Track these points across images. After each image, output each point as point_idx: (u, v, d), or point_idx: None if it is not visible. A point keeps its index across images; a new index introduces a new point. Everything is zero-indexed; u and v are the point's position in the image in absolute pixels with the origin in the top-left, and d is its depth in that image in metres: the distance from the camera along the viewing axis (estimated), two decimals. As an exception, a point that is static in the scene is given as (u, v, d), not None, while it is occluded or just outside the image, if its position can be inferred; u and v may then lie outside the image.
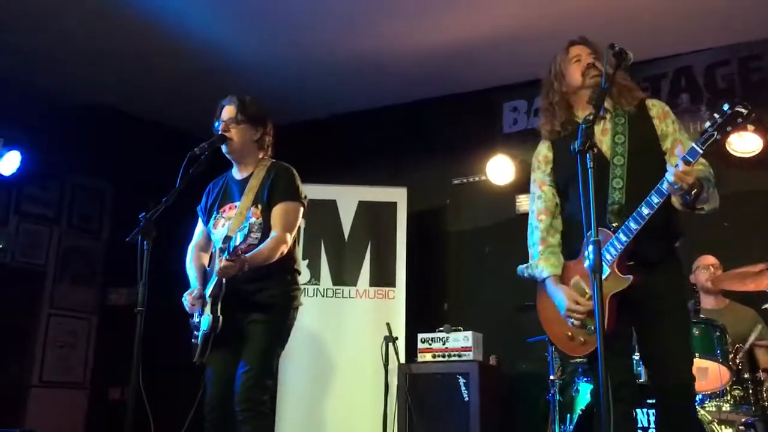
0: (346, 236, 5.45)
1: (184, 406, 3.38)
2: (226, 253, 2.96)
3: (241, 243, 2.89)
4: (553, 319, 2.77)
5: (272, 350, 3.18)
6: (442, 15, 4.92)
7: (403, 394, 4.69)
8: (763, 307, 3.83)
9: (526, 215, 5.54)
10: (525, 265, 2.91)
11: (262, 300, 3.17)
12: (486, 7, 4.83)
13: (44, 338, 6.09)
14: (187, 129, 5.94)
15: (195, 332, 3.24)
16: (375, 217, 5.48)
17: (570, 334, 2.69)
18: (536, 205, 2.91)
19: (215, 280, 3.13)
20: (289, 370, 5.13)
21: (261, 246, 3.12)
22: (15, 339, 5.91)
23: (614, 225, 2.60)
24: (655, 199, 2.51)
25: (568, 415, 4.01)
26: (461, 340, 4.74)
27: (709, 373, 3.66)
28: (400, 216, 5.46)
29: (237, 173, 3.42)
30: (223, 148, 3.34)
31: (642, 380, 3.79)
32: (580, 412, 3.74)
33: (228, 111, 3.36)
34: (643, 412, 3.57)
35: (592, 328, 2.58)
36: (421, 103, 6.08)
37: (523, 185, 5.54)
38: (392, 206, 5.48)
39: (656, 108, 2.81)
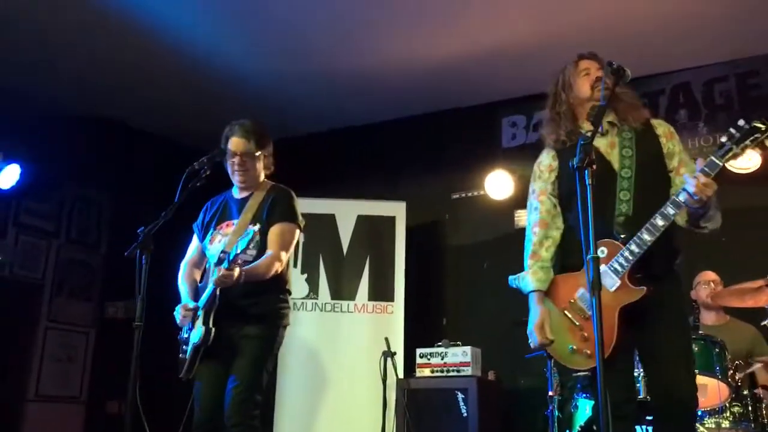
0: (344, 250, 5.44)
1: (182, 420, 3.37)
2: (225, 262, 2.99)
3: (241, 252, 2.93)
4: (554, 332, 2.74)
5: (263, 365, 3.20)
6: (441, 30, 4.94)
7: (401, 410, 4.67)
8: (762, 323, 3.82)
9: (524, 230, 5.60)
10: (515, 275, 2.91)
11: (254, 314, 3.20)
12: (485, 23, 4.86)
13: (41, 352, 6.06)
14: (187, 142, 5.97)
15: (184, 347, 3.27)
16: (374, 231, 5.48)
17: (574, 347, 2.67)
18: (532, 216, 2.91)
19: (210, 293, 3.15)
20: (287, 383, 5.12)
21: (257, 262, 3.17)
22: (12, 352, 5.88)
23: (622, 236, 2.61)
24: (671, 211, 2.52)
25: (567, 431, 3.99)
26: (460, 355, 4.73)
27: (708, 390, 3.64)
28: (398, 230, 5.46)
29: (238, 193, 3.46)
30: (238, 177, 3.38)
31: (641, 396, 3.80)
32: (579, 429, 3.72)
33: (239, 144, 3.35)
34: (642, 429, 3.56)
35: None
36: (420, 117, 6.10)
37: (521, 200, 5.50)
38: (391, 220, 5.49)
39: (662, 127, 2.84)
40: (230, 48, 5.21)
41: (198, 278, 3.47)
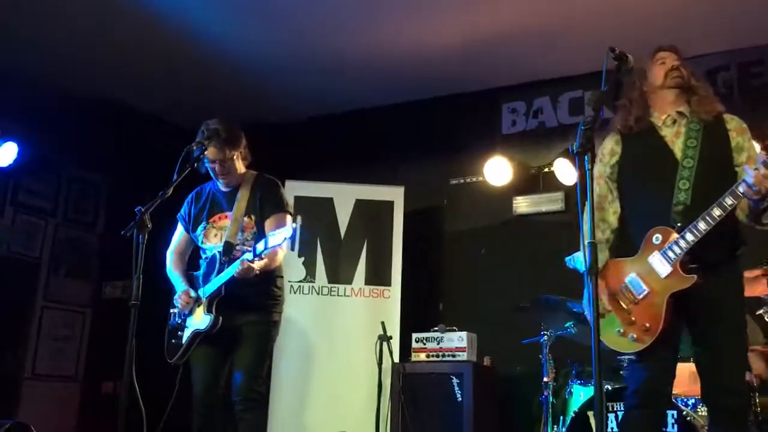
0: (342, 234, 5.44)
1: (178, 400, 3.43)
2: (252, 254, 3.14)
3: (265, 249, 3.10)
4: (603, 315, 2.76)
5: (265, 349, 3.44)
6: (442, 15, 4.91)
7: (396, 394, 4.68)
8: (757, 313, 3.82)
9: (522, 217, 5.63)
10: (570, 256, 2.93)
11: (254, 303, 3.38)
12: (487, 8, 4.82)
13: (38, 331, 6.07)
14: (185, 123, 5.94)
15: (178, 333, 3.38)
16: (372, 215, 5.48)
17: (621, 330, 2.69)
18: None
19: (219, 284, 3.29)
20: (283, 367, 5.13)
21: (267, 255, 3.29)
22: (8, 331, 5.89)
23: (678, 224, 2.63)
24: (729, 201, 2.53)
25: (561, 417, 4.01)
26: (456, 340, 4.74)
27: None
28: (396, 215, 5.45)
29: (222, 186, 3.56)
30: (222, 180, 3.51)
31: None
32: (573, 415, 3.73)
33: (215, 153, 3.42)
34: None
35: (647, 325, 2.61)
36: (420, 102, 6.07)
37: (520, 187, 5.56)
38: (389, 205, 5.48)
39: (735, 122, 2.84)
40: (230, 31, 5.17)
41: (184, 266, 3.61)
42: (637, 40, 4.64)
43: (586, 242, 2.28)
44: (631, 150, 2.87)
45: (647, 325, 2.62)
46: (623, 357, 3.81)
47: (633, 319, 2.67)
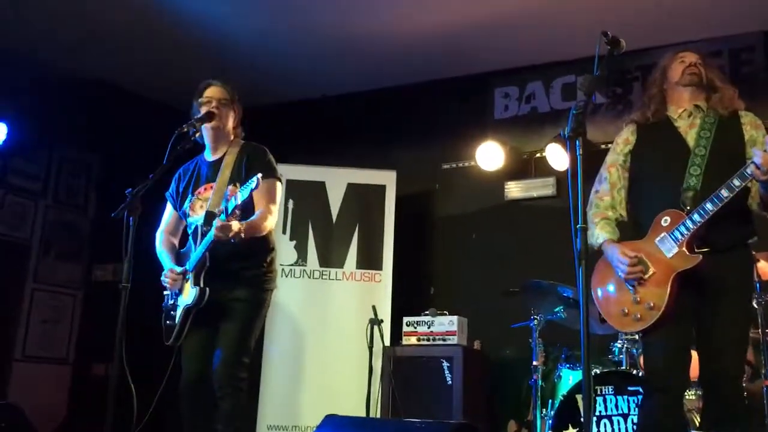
0: (334, 218, 5.44)
1: (168, 382, 3.40)
2: (223, 215, 2.96)
3: (241, 203, 2.91)
4: (608, 296, 2.83)
5: (251, 329, 3.24)
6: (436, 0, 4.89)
7: (387, 377, 4.70)
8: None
9: (514, 202, 5.64)
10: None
11: (244, 278, 3.22)
12: (480, -8, 4.81)
13: (28, 313, 6.05)
14: (177, 104, 5.89)
15: (171, 312, 3.28)
16: (363, 199, 5.48)
17: (626, 309, 2.74)
18: (601, 186, 3.00)
19: (200, 254, 3.14)
20: (274, 350, 5.14)
21: (254, 216, 3.17)
22: (-2, 312, 5.88)
23: (688, 208, 2.68)
24: (737, 182, 2.58)
25: (550, 401, 4.04)
26: (446, 324, 4.76)
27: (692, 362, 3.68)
28: (388, 199, 5.45)
29: (209, 155, 3.45)
30: (207, 125, 3.34)
31: (623, 368, 3.84)
32: (562, 398, 3.76)
33: (216, 91, 3.37)
34: (623, 399, 3.61)
35: (652, 303, 2.66)
36: (413, 86, 6.06)
37: (512, 172, 5.56)
38: (381, 189, 5.48)
39: (749, 117, 2.90)
40: (223, 11, 5.14)
41: (176, 244, 3.49)
42: (630, 25, 4.66)
43: (577, 227, 2.28)
44: (645, 139, 2.95)
45: (652, 303, 2.67)
46: (626, 336, 3.86)
47: (638, 298, 2.72)
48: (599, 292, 2.87)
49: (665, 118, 2.94)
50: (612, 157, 3.01)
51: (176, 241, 3.51)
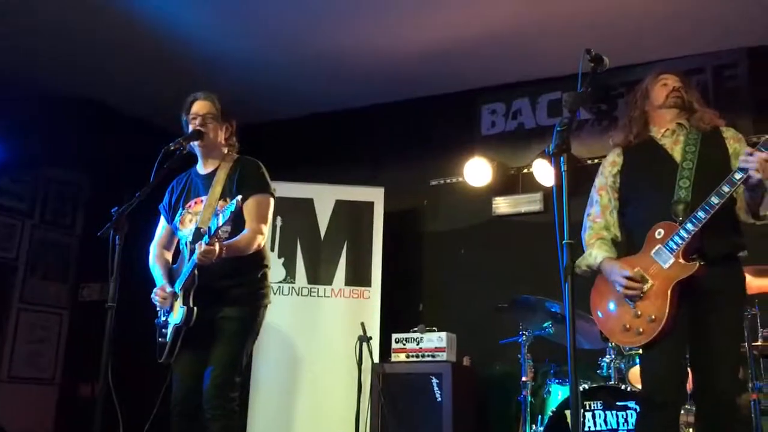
0: (322, 235, 5.44)
1: (154, 403, 3.36)
2: (206, 237, 2.92)
3: (223, 225, 2.87)
4: (608, 313, 2.84)
5: (242, 348, 3.16)
6: (422, 16, 4.92)
7: (376, 394, 4.69)
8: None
9: (502, 217, 5.67)
10: (578, 259, 2.95)
11: (234, 296, 3.16)
12: (467, 11, 4.84)
13: (14, 333, 6.00)
14: (165, 123, 5.89)
15: (163, 330, 3.22)
16: (352, 216, 5.48)
17: (627, 325, 2.75)
18: (593, 209, 3.04)
19: (188, 273, 3.10)
20: (263, 368, 5.12)
21: (238, 237, 3.12)
22: (-16, 333, 5.82)
23: (680, 219, 2.71)
24: (726, 188, 2.62)
25: (539, 417, 4.04)
26: (435, 340, 4.75)
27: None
28: (377, 216, 5.46)
29: (202, 168, 3.40)
30: (196, 142, 3.31)
31: (612, 383, 3.85)
32: (551, 414, 3.76)
33: (203, 106, 3.34)
34: (612, 414, 3.61)
35: (653, 316, 2.66)
36: (400, 103, 6.09)
37: (499, 187, 5.59)
38: (369, 206, 5.48)
39: (731, 131, 2.96)
40: (211, 31, 5.16)
41: (169, 259, 3.42)
42: (614, 43, 4.71)
43: (563, 242, 2.29)
44: (632, 159, 3.00)
45: (653, 316, 2.68)
46: (630, 352, 3.86)
47: (639, 312, 2.72)
48: (598, 312, 2.88)
49: (649, 138, 2.99)
50: (601, 180, 3.05)
51: (169, 255, 3.45)
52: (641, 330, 2.70)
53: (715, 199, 2.62)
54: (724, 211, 2.68)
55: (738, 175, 2.60)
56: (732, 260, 2.82)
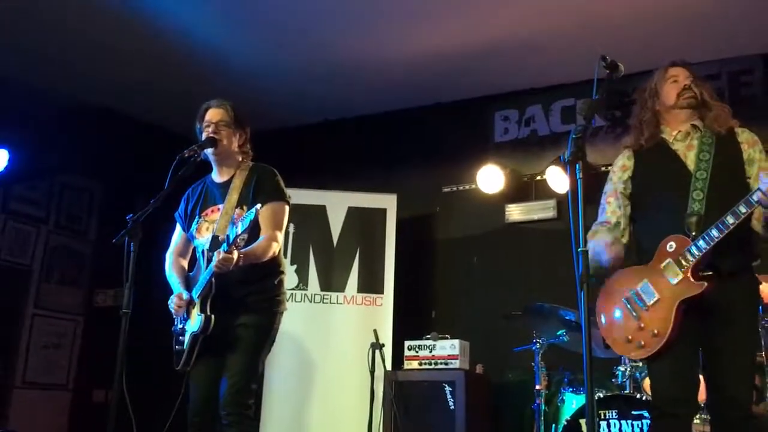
0: (335, 242, 5.44)
1: (168, 409, 3.36)
2: (224, 245, 2.93)
3: (242, 233, 2.88)
4: (612, 321, 2.80)
5: (259, 354, 3.17)
6: (436, 24, 4.93)
7: (388, 402, 4.67)
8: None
9: (514, 225, 5.64)
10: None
11: (251, 303, 3.17)
12: (480, 17, 4.84)
13: (28, 339, 6.04)
14: (178, 130, 5.92)
15: (180, 338, 3.22)
16: (364, 223, 5.48)
17: (630, 336, 2.71)
18: (603, 217, 2.98)
19: (206, 281, 3.11)
20: (276, 375, 5.11)
21: (254, 244, 3.12)
22: (-1, 338, 5.87)
23: (693, 233, 2.65)
24: (743, 209, 2.55)
25: (553, 425, 4.01)
26: (448, 348, 4.73)
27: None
28: (389, 223, 5.45)
29: (217, 176, 3.41)
30: (210, 150, 3.32)
31: (627, 392, 3.82)
32: (565, 422, 3.73)
33: (216, 113, 3.35)
34: (627, 423, 3.58)
35: (656, 330, 2.63)
36: (413, 110, 6.09)
37: (512, 195, 5.57)
38: (382, 213, 5.48)
39: (746, 134, 2.88)
40: (223, 38, 5.18)
41: (185, 267, 3.44)
42: (627, 49, 4.69)
43: (578, 250, 2.28)
44: (643, 164, 2.92)
45: (656, 330, 2.64)
46: (635, 363, 3.83)
47: (642, 325, 2.68)
48: (603, 318, 2.84)
49: (661, 140, 2.91)
50: (611, 186, 2.98)
51: (185, 263, 3.46)
52: (643, 343, 2.67)
53: (730, 219, 2.55)
54: (740, 223, 2.60)
55: (756, 197, 2.53)
56: (745, 272, 2.76)
